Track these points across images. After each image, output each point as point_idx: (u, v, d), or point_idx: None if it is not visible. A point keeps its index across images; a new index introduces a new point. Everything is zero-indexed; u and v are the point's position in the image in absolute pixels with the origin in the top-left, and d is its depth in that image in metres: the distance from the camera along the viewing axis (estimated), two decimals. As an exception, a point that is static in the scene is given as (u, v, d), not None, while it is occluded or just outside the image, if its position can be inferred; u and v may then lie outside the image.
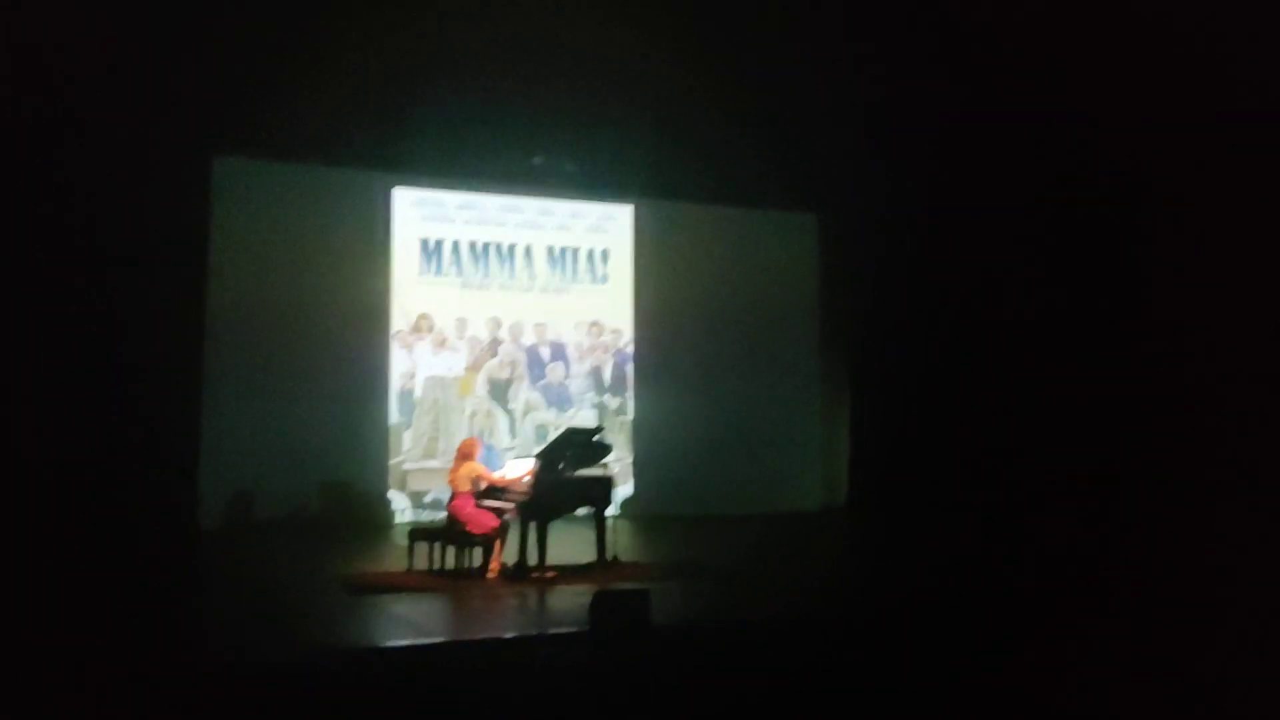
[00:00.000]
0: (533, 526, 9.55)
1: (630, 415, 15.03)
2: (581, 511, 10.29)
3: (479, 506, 9.55)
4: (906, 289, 14.56)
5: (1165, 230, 9.62)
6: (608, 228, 15.19)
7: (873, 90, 12.65)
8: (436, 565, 9.48)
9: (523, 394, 14.52)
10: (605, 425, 13.98)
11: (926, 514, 13.47)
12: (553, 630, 7.56)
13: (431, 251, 14.25)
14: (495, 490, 9.76)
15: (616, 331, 15.08)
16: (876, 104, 12.92)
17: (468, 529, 9.39)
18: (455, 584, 9.07)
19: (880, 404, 15.03)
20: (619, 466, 13.78)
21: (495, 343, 14.45)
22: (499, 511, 9.61)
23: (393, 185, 14.06)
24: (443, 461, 13.54)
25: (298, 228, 13.44)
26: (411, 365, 14.01)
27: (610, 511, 10.12)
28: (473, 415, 14.22)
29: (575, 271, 14.96)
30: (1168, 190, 9.56)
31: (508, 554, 9.65)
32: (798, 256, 16.04)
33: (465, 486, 9.52)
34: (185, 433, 12.25)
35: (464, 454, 9.64)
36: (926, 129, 12.62)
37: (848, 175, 14.72)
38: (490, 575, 9.37)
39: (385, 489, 13.71)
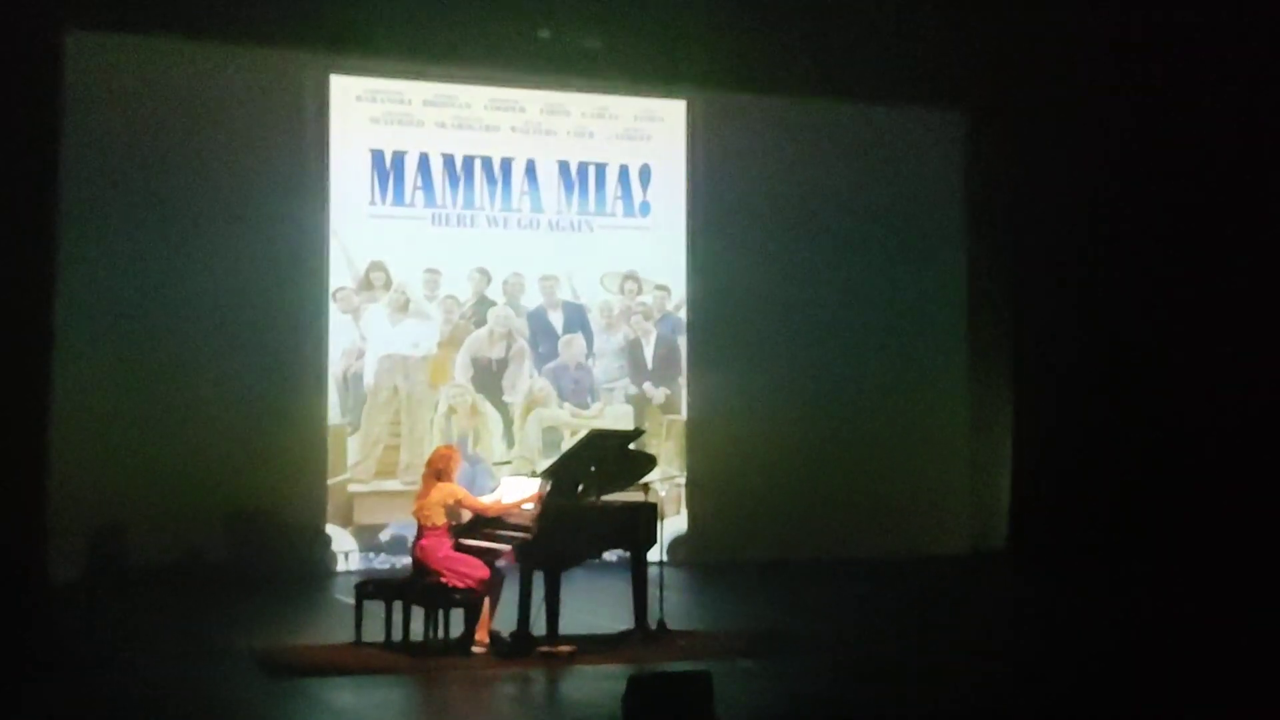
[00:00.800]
0: (539, 578, 9.58)
1: (683, 413, 15.05)
2: (611, 556, 10.27)
3: (459, 548, 9.59)
4: (1094, 222, 14.46)
5: None
6: (649, 133, 15.17)
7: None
8: (397, 635, 9.49)
9: (524, 381, 14.56)
10: (646, 428, 13.98)
11: (1126, 559, 13.39)
12: (569, 731, 7.56)
13: (388, 170, 14.29)
14: (484, 524, 9.79)
15: (663, 289, 15.09)
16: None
17: (443, 581, 9.42)
18: (425, 663, 9.08)
19: (1059, 396, 14.93)
20: (666, 489, 13.79)
21: (483, 305, 14.50)
22: (489, 556, 9.65)
23: (329, 71, 14.09)
24: (405, 481, 13.61)
25: (186, 136, 13.49)
26: (359, 339, 14.09)
27: (653, 555, 10.14)
28: (450, 413, 14.27)
29: (601, 199, 14.95)
30: None
31: (502, 619, 9.70)
32: (936, 176, 15.92)
33: (439, 519, 9.53)
34: (28, 437, 12.36)
35: (437, 470, 9.66)
36: None
37: (1013, 60, 14.64)
38: (477, 649, 9.40)
39: (321, 522, 13.81)
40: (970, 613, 12.31)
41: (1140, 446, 13.84)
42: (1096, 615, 11.61)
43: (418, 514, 9.63)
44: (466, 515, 9.77)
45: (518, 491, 9.96)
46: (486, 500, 10.00)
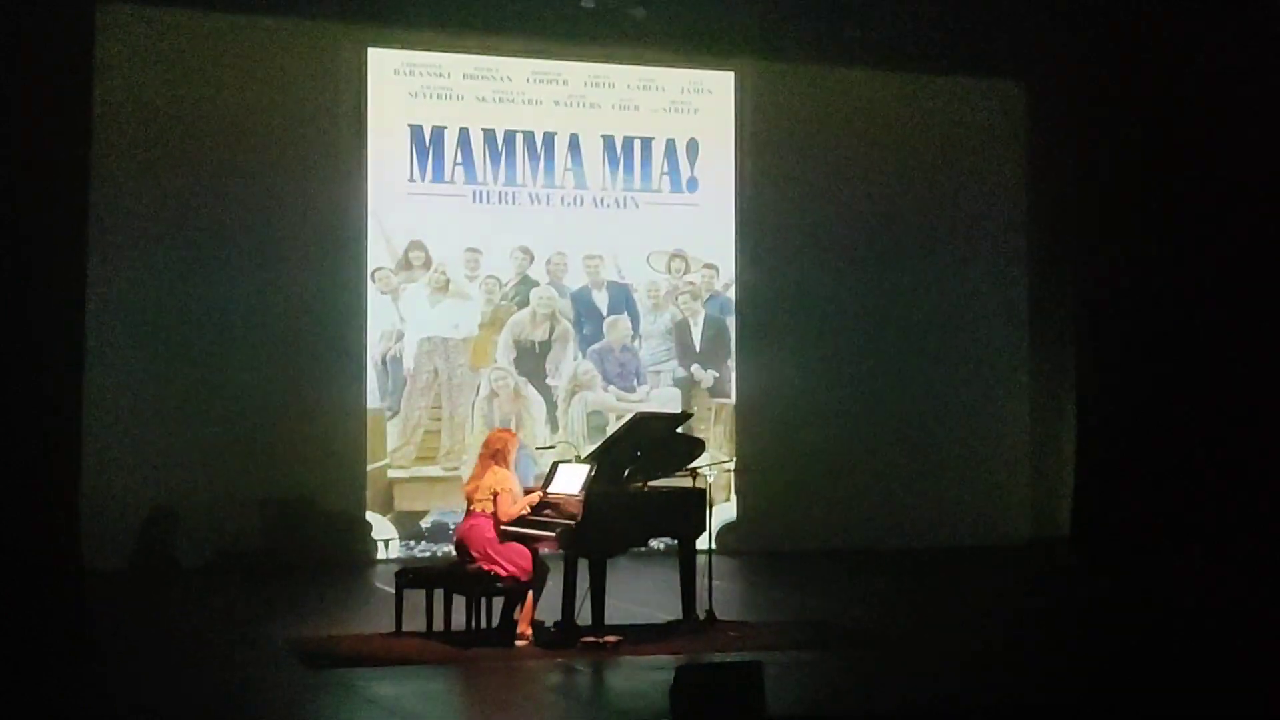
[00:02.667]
0: (584, 566, 9.62)
1: (732, 397, 15.08)
2: (658, 544, 10.29)
3: (503, 535, 9.61)
4: (1163, 201, 14.37)
5: None
6: (697, 106, 15.18)
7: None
8: (438, 624, 9.57)
9: (568, 363, 14.62)
10: (694, 411, 13.98)
11: (1190, 548, 13.32)
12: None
13: (427, 146, 14.36)
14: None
15: (711, 267, 15.11)
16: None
17: (485, 568, 9.49)
18: (466, 653, 9.16)
19: (1124, 379, 14.86)
20: (715, 474, 13.82)
21: (525, 285, 14.57)
22: (532, 543, 9.72)
23: (367, 45, 14.16)
24: (446, 467, 13.70)
25: (218, 112, 13.60)
26: (398, 320, 14.18)
27: (702, 543, 10.18)
28: (492, 397, 14.34)
29: (647, 174, 14.98)
30: None
31: (545, 608, 9.77)
32: (997, 150, 15.89)
33: (489, 505, 9.58)
34: (64, 424, 12.44)
35: (494, 452, 9.69)
36: None
37: (1075, 28, 14.56)
38: (520, 640, 9.47)
39: (361, 509, 13.92)
40: (1030, 603, 12.27)
41: (1206, 431, 13.72)
42: (1159, 605, 11.58)
43: (469, 494, 9.68)
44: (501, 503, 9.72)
45: (563, 479, 9.94)
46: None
